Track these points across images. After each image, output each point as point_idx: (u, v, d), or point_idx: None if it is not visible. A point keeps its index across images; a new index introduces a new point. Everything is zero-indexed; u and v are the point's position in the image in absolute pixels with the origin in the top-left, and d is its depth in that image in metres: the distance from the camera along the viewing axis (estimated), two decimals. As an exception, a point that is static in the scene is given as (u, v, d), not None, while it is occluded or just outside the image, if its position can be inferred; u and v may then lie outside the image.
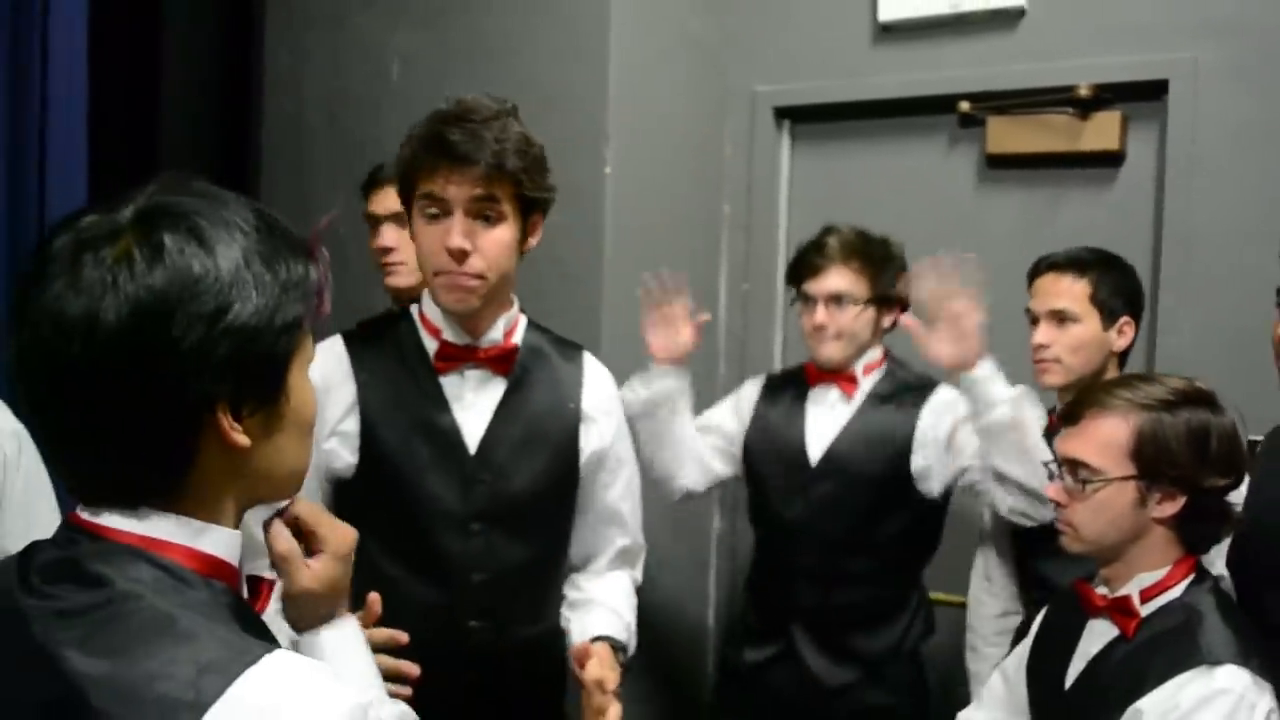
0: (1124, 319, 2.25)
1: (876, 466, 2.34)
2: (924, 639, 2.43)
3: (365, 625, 1.35)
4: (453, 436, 1.76)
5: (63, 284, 0.90)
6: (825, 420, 2.41)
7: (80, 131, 2.64)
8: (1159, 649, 1.61)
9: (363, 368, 1.78)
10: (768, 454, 2.46)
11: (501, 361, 1.81)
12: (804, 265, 2.37)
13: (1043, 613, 1.92)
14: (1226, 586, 1.78)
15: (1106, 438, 1.65)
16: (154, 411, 0.91)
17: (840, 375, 2.40)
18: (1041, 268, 2.31)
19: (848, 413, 2.39)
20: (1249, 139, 2.53)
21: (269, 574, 1.14)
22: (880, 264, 2.35)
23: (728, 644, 2.63)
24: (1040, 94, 2.71)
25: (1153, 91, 2.64)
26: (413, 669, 1.46)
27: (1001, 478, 2.16)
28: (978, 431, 2.18)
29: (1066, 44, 2.71)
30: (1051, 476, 1.76)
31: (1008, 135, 2.80)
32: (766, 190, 3.12)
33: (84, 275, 0.90)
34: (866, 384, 2.41)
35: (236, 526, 1.02)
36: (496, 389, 1.81)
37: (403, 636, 1.46)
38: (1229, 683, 1.53)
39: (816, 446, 2.40)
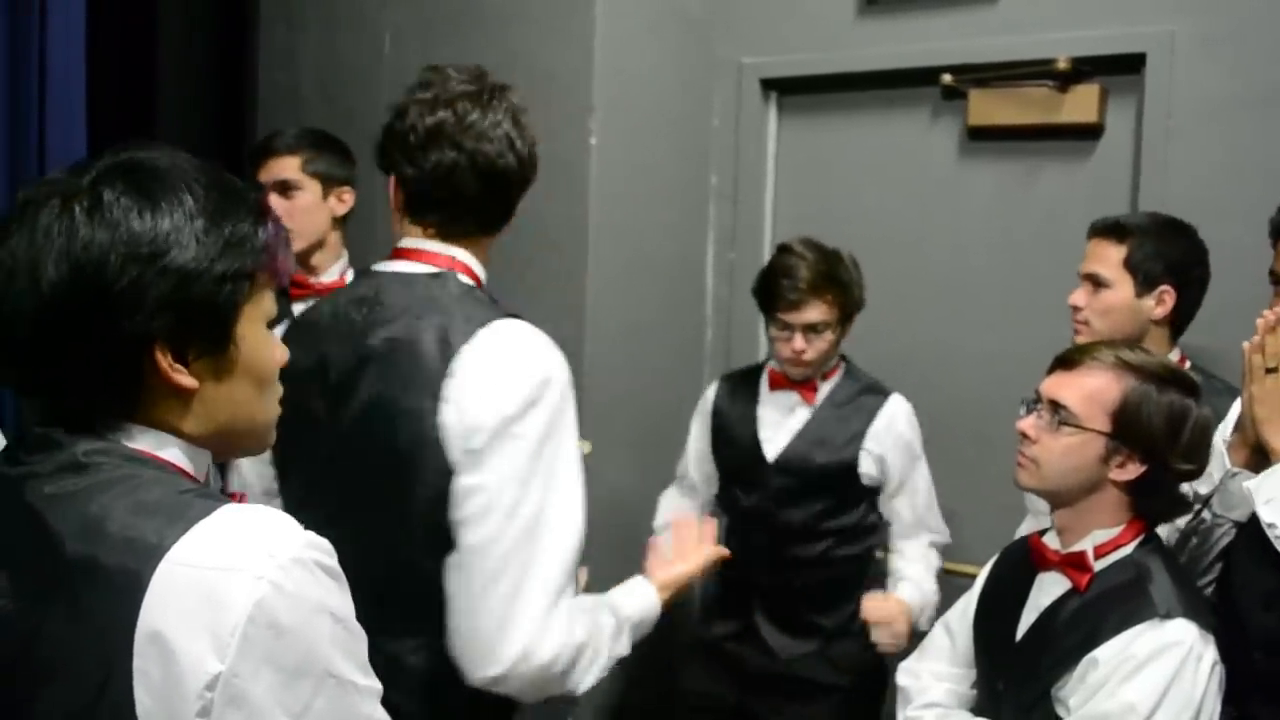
0: (1164, 287, 2.19)
1: (830, 466, 2.51)
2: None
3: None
4: None
5: (18, 236, 1.00)
6: (783, 422, 2.56)
7: (79, 103, 2.69)
8: (1112, 602, 1.69)
9: None
10: (728, 449, 2.62)
11: None
12: (778, 297, 2.44)
13: (988, 566, 1.99)
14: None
15: (1094, 390, 1.73)
16: (97, 348, 1.00)
17: (803, 384, 2.55)
18: (1090, 230, 2.31)
19: (805, 415, 2.55)
20: (1225, 112, 2.56)
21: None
22: (847, 287, 2.46)
23: (698, 622, 2.73)
24: (1020, 66, 2.74)
25: (1131, 64, 2.66)
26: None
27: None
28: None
29: (1046, 17, 2.74)
30: (1028, 411, 1.80)
31: (988, 108, 2.83)
32: (753, 161, 3.16)
33: (36, 227, 0.99)
34: (824, 388, 2.56)
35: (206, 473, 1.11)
36: None
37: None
38: (1180, 635, 1.61)
39: (773, 445, 2.55)
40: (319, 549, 0.98)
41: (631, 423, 2.91)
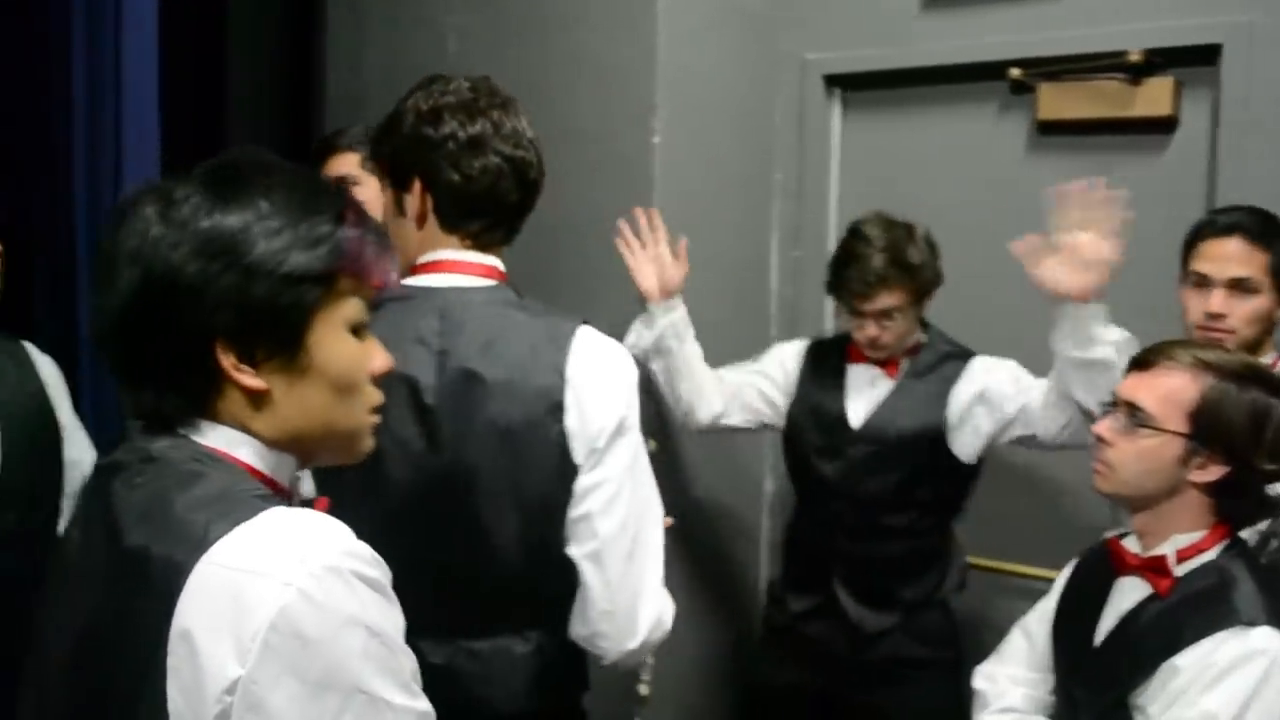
0: None
1: (914, 434, 2.46)
2: (957, 591, 2.55)
3: None
4: None
5: (113, 237, 1.04)
6: (866, 392, 2.53)
7: (152, 105, 2.75)
8: (1194, 608, 1.65)
9: None
10: (809, 416, 2.58)
11: None
12: (847, 286, 2.42)
13: (1068, 570, 1.95)
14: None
15: (1171, 391, 1.69)
16: (166, 345, 1.02)
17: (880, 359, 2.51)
18: (1219, 228, 2.20)
19: (889, 386, 2.51)
20: (1306, 103, 2.49)
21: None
22: (920, 269, 2.42)
23: (771, 599, 2.71)
24: (1091, 59, 2.69)
25: (1206, 56, 2.60)
26: None
27: (1070, 406, 2.27)
28: (1069, 363, 2.22)
29: (1117, 8, 2.68)
30: (1103, 414, 1.78)
31: (1058, 102, 2.78)
32: (817, 158, 3.14)
33: (124, 227, 1.03)
34: (906, 361, 2.53)
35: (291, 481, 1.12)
36: None
37: None
38: (1265, 643, 1.57)
39: (857, 414, 2.52)
40: (359, 558, 0.96)
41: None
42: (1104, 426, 1.76)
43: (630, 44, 2.80)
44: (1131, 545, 1.78)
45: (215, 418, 1.05)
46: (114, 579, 0.98)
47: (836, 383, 2.56)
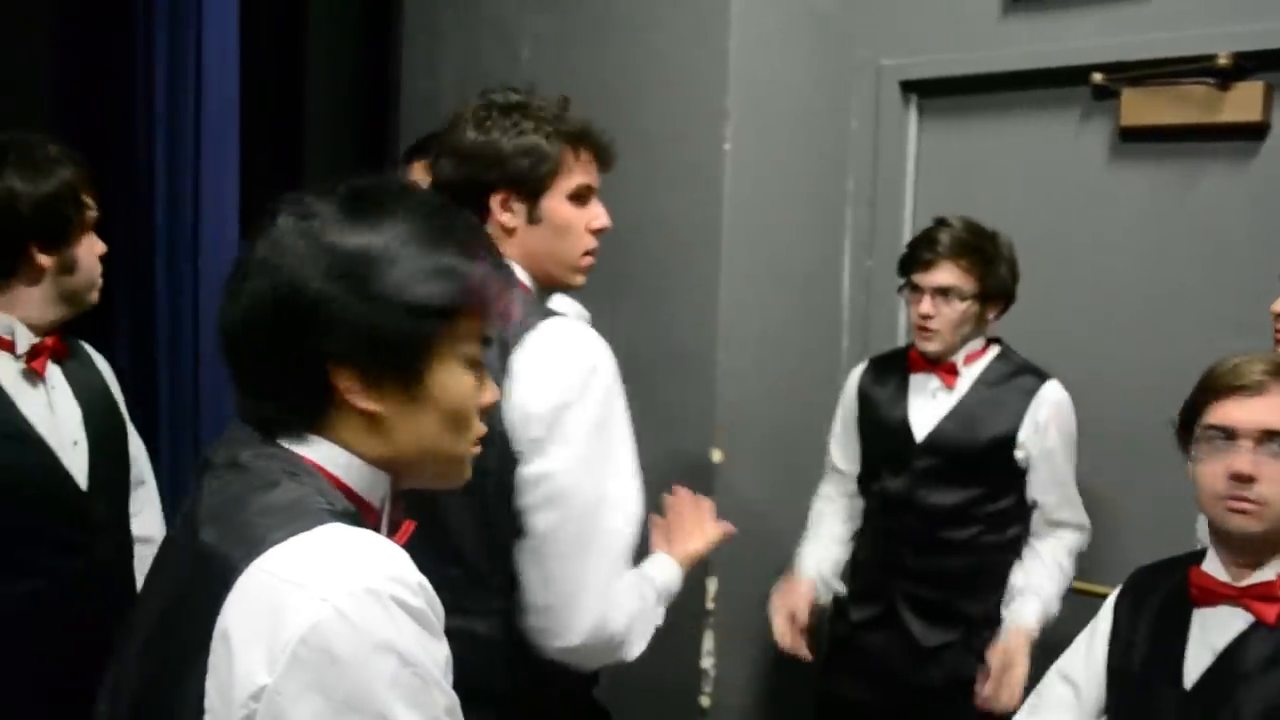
0: None
1: (980, 449, 2.42)
2: None
3: None
4: None
5: (253, 243, 1.06)
6: (928, 405, 2.49)
7: (232, 112, 2.80)
8: None
9: None
10: (874, 430, 2.56)
11: None
12: (914, 258, 2.44)
13: (1112, 603, 1.84)
14: None
15: None
16: (285, 359, 1.03)
17: (940, 365, 2.47)
18: None
19: (951, 399, 2.47)
20: (1405, 109, 2.39)
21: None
22: (989, 260, 2.41)
23: (837, 610, 2.68)
24: (1177, 63, 2.60)
25: (1299, 60, 2.52)
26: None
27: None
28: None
29: (1205, 10, 2.60)
30: (1208, 448, 1.67)
31: (1142, 107, 2.70)
32: (892, 165, 3.09)
33: (263, 235, 1.05)
34: (969, 372, 2.48)
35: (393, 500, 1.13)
36: None
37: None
38: None
39: (921, 426, 2.48)
40: (404, 585, 0.94)
41: (764, 432, 2.87)
42: (1246, 461, 1.62)
43: (702, 49, 2.79)
44: (1217, 574, 1.69)
45: (323, 432, 1.06)
46: (185, 573, 1.01)
47: (899, 393, 2.53)
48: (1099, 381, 2.77)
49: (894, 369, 2.58)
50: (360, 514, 1.05)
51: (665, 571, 1.80)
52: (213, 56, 2.76)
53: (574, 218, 1.76)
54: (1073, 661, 1.85)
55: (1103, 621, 1.83)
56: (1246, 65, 2.56)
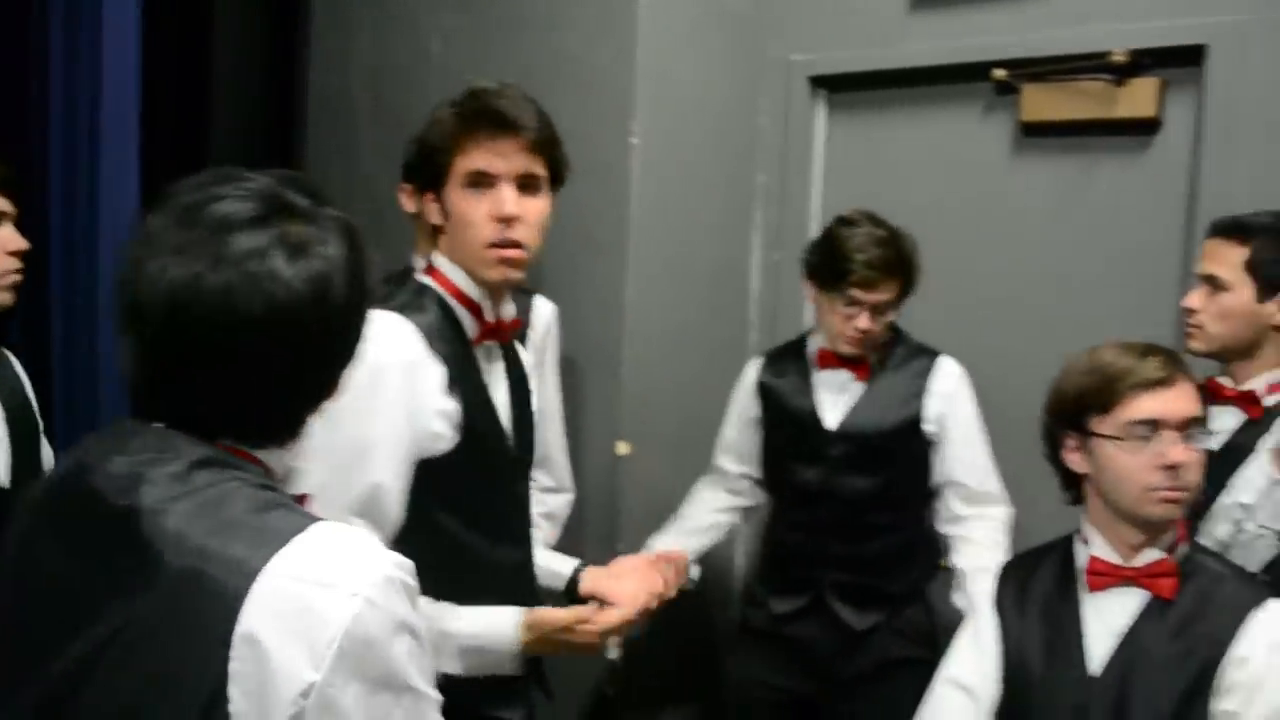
0: None
1: (892, 429, 2.46)
2: (932, 579, 2.54)
3: None
4: (494, 408, 1.78)
5: (250, 251, 1.03)
6: (839, 395, 2.51)
7: (133, 105, 2.73)
8: (1216, 598, 1.65)
9: (437, 345, 1.71)
10: (782, 423, 2.56)
11: (506, 334, 1.83)
12: (850, 274, 2.35)
13: (988, 607, 1.84)
14: None
15: (1198, 398, 1.71)
16: (315, 367, 1.09)
17: (854, 363, 2.48)
18: (1210, 229, 2.17)
19: (859, 386, 2.49)
20: (1290, 105, 2.45)
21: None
22: (915, 268, 2.42)
23: (750, 601, 2.69)
24: (1075, 60, 2.65)
25: (1191, 57, 2.56)
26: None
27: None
28: None
29: (1102, 8, 2.65)
30: (1147, 440, 1.71)
31: (1042, 103, 2.74)
32: (800, 160, 3.11)
33: (269, 248, 1.03)
34: (874, 358, 2.50)
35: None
36: (500, 359, 1.84)
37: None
38: None
39: (832, 416, 2.49)
40: (405, 569, 1.02)
41: (672, 426, 2.88)
42: (1181, 452, 1.67)
43: (610, 45, 2.78)
44: (1107, 555, 1.72)
45: (284, 443, 1.12)
46: (143, 592, 0.98)
47: (804, 385, 2.53)
48: (1003, 370, 2.81)
49: (795, 361, 2.58)
50: (283, 491, 1.10)
51: (482, 622, 1.68)
52: (112, 51, 2.69)
53: (469, 207, 1.69)
54: (962, 669, 1.83)
55: (985, 620, 1.83)
56: (1141, 62, 2.61)
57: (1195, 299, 2.12)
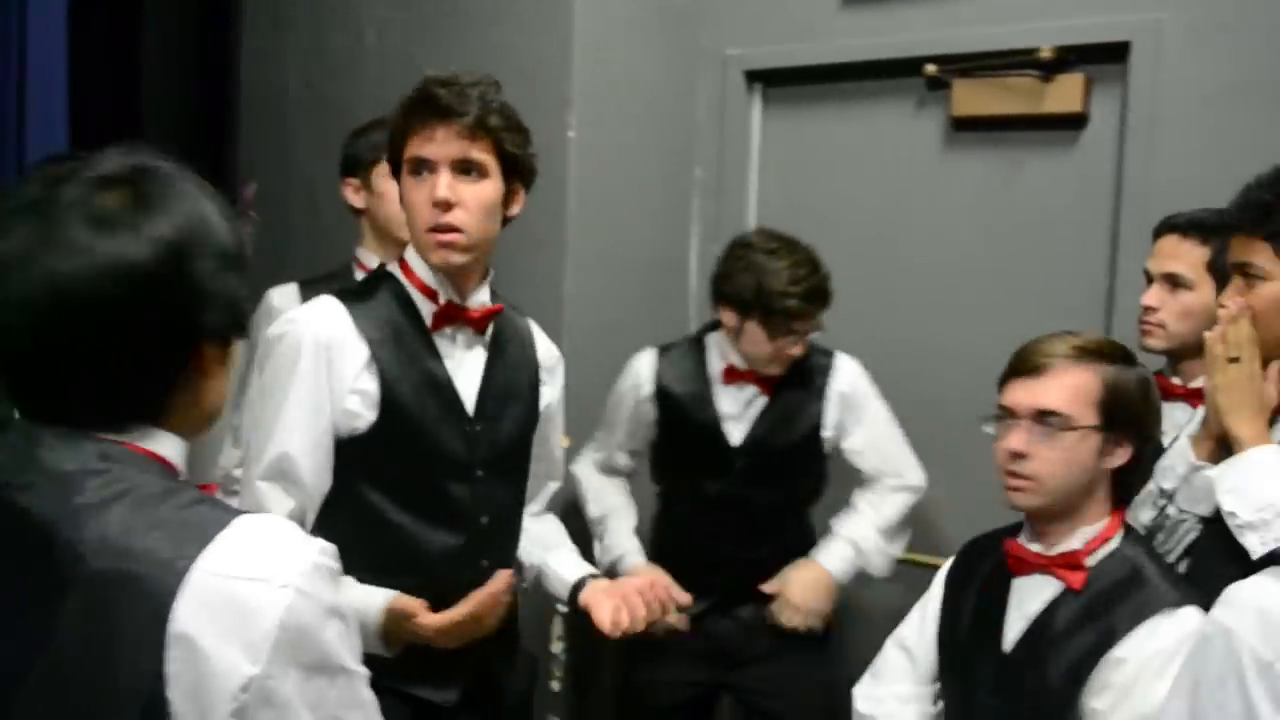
0: None
1: (795, 442, 2.51)
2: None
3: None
4: (450, 392, 1.83)
5: (74, 226, 0.99)
6: (744, 410, 2.52)
7: (60, 101, 2.70)
8: (1117, 598, 1.67)
9: (367, 327, 1.78)
10: (683, 435, 2.57)
11: (482, 321, 1.88)
12: (786, 309, 2.35)
13: (943, 575, 1.94)
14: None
15: (1075, 387, 1.70)
16: (161, 340, 1.03)
17: (762, 379, 2.50)
18: (1164, 228, 2.19)
19: (764, 401, 2.51)
20: (1211, 102, 2.51)
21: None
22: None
23: None
24: (1003, 56, 2.71)
25: (1116, 54, 2.63)
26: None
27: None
28: None
29: (1029, 6, 2.71)
30: (1000, 428, 1.76)
31: (972, 98, 2.80)
32: (737, 154, 3.14)
33: (96, 217, 1.00)
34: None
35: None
36: (478, 346, 1.89)
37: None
38: (1195, 622, 1.58)
39: (737, 432, 2.51)
40: (328, 553, 1.04)
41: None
42: (1019, 440, 1.71)
43: (546, 36, 2.79)
44: (1031, 545, 1.78)
45: (167, 410, 1.07)
46: (63, 598, 0.96)
47: (706, 398, 2.52)
48: (933, 361, 2.87)
49: (695, 367, 2.55)
50: (193, 488, 1.07)
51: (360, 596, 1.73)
52: (38, 47, 2.65)
53: (411, 193, 1.78)
54: (908, 632, 1.96)
55: (934, 593, 1.93)
56: (1068, 58, 2.67)
57: (1154, 297, 2.14)
